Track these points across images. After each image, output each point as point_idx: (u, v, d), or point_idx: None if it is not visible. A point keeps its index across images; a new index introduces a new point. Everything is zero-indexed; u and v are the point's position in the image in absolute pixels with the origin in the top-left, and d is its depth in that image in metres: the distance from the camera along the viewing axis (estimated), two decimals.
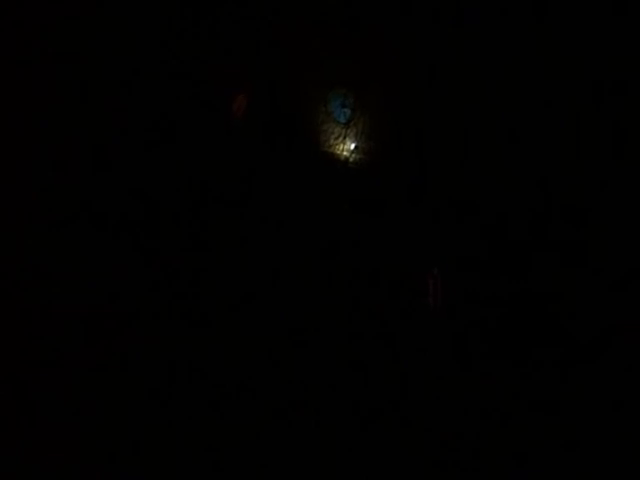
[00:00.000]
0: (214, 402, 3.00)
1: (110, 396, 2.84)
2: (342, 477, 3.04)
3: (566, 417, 3.18)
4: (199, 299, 3.12)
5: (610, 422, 3.14)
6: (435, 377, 3.26)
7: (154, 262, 3.09)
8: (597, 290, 3.27)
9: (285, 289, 3.24)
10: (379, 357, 3.25)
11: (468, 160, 3.40)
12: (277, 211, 3.27)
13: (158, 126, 3.13)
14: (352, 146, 3.39)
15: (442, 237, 3.38)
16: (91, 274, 2.95)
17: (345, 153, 3.38)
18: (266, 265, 3.23)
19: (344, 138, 3.38)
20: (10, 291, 2.78)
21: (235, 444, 2.97)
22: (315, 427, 3.08)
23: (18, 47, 2.89)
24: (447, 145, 3.41)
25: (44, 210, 2.92)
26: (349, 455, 3.08)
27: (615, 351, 3.22)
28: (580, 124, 3.36)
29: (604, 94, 3.34)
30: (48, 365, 2.76)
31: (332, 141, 3.37)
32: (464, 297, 3.33)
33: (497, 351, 3.29)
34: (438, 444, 3.15)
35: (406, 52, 3.43)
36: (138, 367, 2.93)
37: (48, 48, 2.94)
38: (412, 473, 3.10)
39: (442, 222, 3.37)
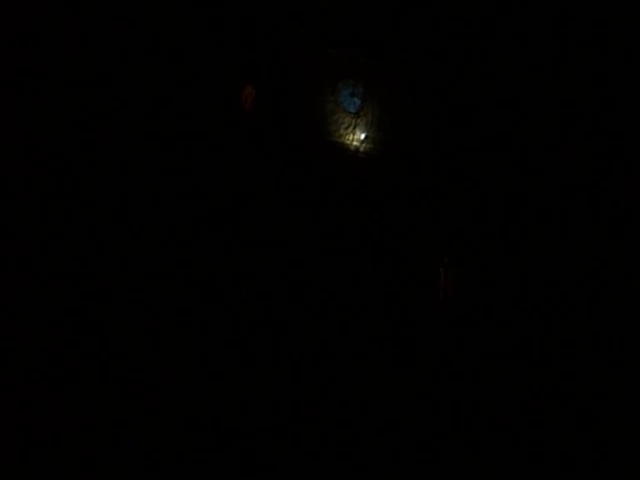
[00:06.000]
0: (233, 401, 2.98)
1: (109, 395, 2.79)
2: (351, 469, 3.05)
3: (577, 412, 3.25)
4: (209, 294, 3.08)
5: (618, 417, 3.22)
6: (445, 368, 3.30)
7: (163, 255, 3.04)
8: (611, 288, 3.33)
9: (295, 280, 3.22)
10: (389, 349, 3.27)
11: (480, 151, 3.41)
12: (287, 201, 3.24)
13: (168, 120, 3.07)
14: (362, 136, 3.35)
15: (453, 227, 3.39)
16: (94, 271, 2.89)
17: (355, 143, 3.35)
18: (276, 257, 3.21)
19: (354, 128, 3.35)
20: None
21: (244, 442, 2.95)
22: (319, 421, 3.08)
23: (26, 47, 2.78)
24: (459, 136, 3.41)
25: (44, 208, 2.84)
26: (357, 447, 3.09)
27: (619, 349, 3.29)
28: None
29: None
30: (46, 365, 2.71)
31: (342, 131, 3.34)
32: (475, 287, 3.36)
33: (505, 345, 3.33)
34: (446, 437, 3.19)
35: (417, 43, 3.40)
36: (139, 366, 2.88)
37: (54, 47, 2.84)
38: (418, 465, 3.13)
39: (453, 212, 3.38)
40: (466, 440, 3.20)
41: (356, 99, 3.35)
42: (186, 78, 3.11)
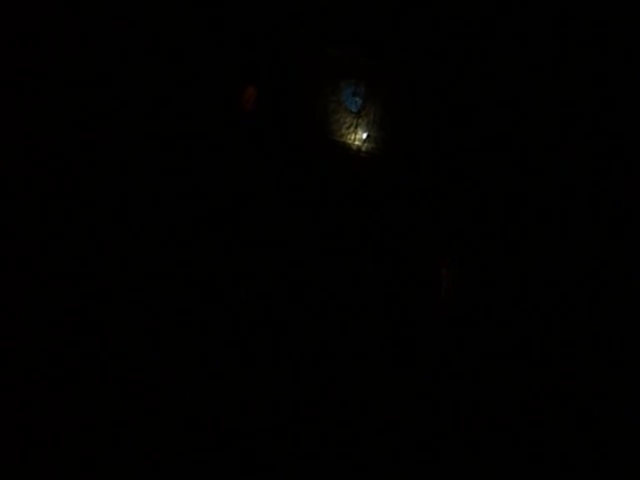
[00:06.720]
0: (236, 401, 2.98)
1: (109, 395, 2.79)
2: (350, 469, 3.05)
3: (577, 412, 3.24)
4: (209, 294, 3.08)
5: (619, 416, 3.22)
6: (445, 368, 3.30)
7: (163, 255, 3.04)
8: (611, 288, 3.33)
9: (295, 280, 3.22)
10: (389, 349, 3.27)
11: (480, 151, 3.40)
12: (287, 201, 3.24)
13: (168, 120, 3.07)
14: (364, 135, 3.35)
15: (453, 227, 3.39)
16: (94, 271, 2.89)
17: (357, 143, 3.34)
18: (276, 257, 3.21)
19: (356, 127, 3.34)
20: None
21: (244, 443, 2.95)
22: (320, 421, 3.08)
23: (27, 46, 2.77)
24: (459, 136, 3.41)
25: (44, 208, 2.84)
26: (356, 446, 3.09)
27: (619, 349, 3.29)
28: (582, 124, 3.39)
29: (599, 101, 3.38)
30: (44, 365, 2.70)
31: (343, 130, 3.33)
32: (475, 287, 3.36)
33: (505, 345, 3.33)
34: (446, 437, 3.19)
35: (417, 43, 3.40)
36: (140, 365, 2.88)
37: (54, 47, 2.84)
38: (418, 465, 3.13)
39: (453, 212, 3.38)
40: (466, 440, 3.19)
41: (358, 98, 3.35)
42: (186, 78, 3.11)
